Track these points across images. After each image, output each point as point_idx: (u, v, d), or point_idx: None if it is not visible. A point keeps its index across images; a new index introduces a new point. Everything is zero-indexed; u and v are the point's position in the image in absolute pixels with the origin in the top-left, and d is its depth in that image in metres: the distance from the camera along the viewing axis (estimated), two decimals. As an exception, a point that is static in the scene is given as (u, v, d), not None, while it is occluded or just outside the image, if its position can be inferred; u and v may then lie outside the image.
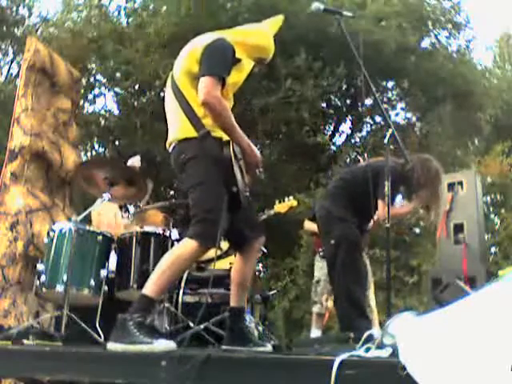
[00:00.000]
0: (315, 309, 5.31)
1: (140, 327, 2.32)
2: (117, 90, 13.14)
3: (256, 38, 2.87)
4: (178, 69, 2.73)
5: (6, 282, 4.20)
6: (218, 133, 2.61)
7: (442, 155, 12.49)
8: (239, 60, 2.71)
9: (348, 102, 13.82)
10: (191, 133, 2.61)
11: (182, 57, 2.75)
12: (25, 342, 2.95)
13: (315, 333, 5.30)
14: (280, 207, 5.13)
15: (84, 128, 10.70)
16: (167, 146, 2.77)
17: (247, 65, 2.79)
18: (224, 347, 2.67)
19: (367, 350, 1.78)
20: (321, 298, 5.24)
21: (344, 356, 1.65)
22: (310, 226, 5.33)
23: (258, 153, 2.76)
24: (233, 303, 2.77)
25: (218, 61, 2.60)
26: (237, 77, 2.72)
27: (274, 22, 3.00)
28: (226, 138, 2.62)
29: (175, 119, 2.70)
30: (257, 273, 4.41)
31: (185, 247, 2.52)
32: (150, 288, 2.45)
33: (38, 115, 4.83)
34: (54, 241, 3.44)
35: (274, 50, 2.93)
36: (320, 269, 5.27)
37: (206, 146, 2.58)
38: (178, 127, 2.67)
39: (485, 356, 1.42)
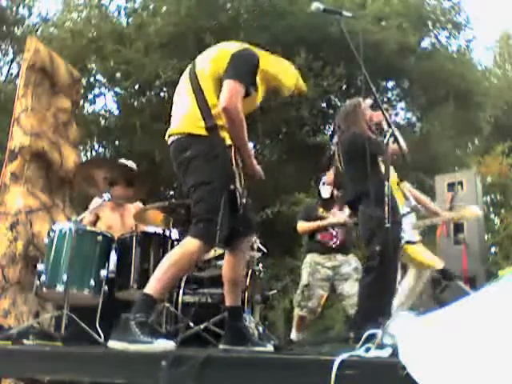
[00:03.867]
0: (301, 312, 5.13)
1: (142, 327, 2.33)
2: (117, 90, 13.15)
3: (282, 71, 2.87)
4: (206, 67, 2.69)
5: (5, 281, 4.20)
6: (224, 133, 2.61)
7: (442, 155, 12.52)
8: (256, 88, 2.69)
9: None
10: (200, 130, 2.59)
11: (211, 56, 2.72)
12: (25, 341, 2.95)
13: (297, 336, 5.22)
14: None
15: (84, 128, 10.69)
16: (168, 134, 2.72)
17: (259, 94, 2.77)
18: (222, 346, 2.67)
19: (367, 349, 1.78)
20: (308, 302, 5.15)
21: (344, 356, 1.65)
22: (305, 226, 5.28)
23: (260, 171, 2.79)
24: (228, 302, 2.77)
25: (247, 68, 2.61)
26: (246, 105, 2.68)
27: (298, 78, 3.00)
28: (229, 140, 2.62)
29: (186, 112, 2.66)
30: (257, 273, 4.40)
31: (187, 247, 2.51)
32: (152, 287, 2.45)
33: (37, 115, 4.83)
34: (54, 241, 3.44)
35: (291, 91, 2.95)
36: (310, 274, 5.18)
37: (212, 144, 2.57)
38: (187, 120, 2.64)
39: (485, 356, 1.42)
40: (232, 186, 2.54)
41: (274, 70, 2.82)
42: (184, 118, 2.67)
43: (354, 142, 3.78)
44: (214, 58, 2.69)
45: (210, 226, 2.47)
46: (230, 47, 2.70)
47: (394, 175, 4.91)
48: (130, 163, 4.45)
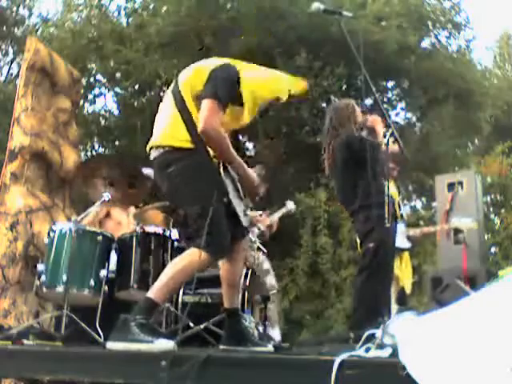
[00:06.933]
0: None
1: (141, 327, 2.33)
2: (117, 90, 13.13)
3: (266, 79, 2.82)
4: (185, 80, 2.68)
5: (6, 281, 4.20)
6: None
7: (442, 155, 12.52)
8: (241, 104, 2.63)
9: (348, 101, 13.80)
10: (185, 143, 2.56)
11: (191, 70, 2.72)
12: (25, 342, 2.95)
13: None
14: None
15: (84, 128, 10.69)
16: (150, 146, 2.68)
17: (249, 113, 2.71)
18: (222, 347, 2.67)
19: (367, 350, 1.78)
20: None
21: (344, 356, 1.65)
22: None
23: (256, 180, 2.75)
24: (226, 305, 2.77)
25: (224, 85, 2.56)
26: (231, 121, 2.67)
27: (295, 82, 3.01)
28: None
29: (170, 124, 2.63)
30: (257, 272, 4.39)
31: (194, 257, 2.51)
32: (155, 292, 2.45)
33: (37, 115, 4.83)
34: (54, 241, 3.44)
35: (286, 94, 2.90)
36: None
37: (199, 156, 2.55)
38: (173, 133, 2.61)
39: (485, 356, 1.42)
40: (226, 199, 2.55)
41: (257, 84, 2.71)
42: (170, 133, 2.62)
43: (349, 145, 3.76)
44: (193, 74, 2.67)
45: (216, 239, 2.49)
46: (210, 64, 2.66)
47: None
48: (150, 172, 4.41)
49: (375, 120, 3.74)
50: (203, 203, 2.53)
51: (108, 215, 4.34)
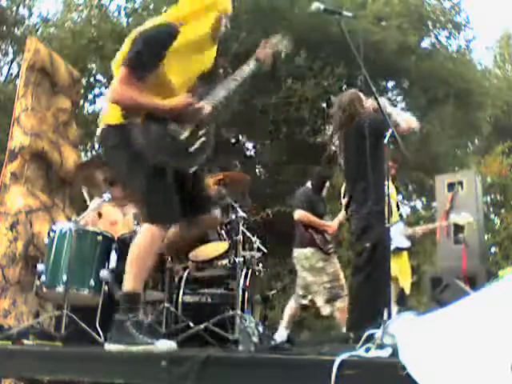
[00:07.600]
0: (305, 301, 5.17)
1: (138, 327, 2.32)
2: (117, 89, 13.15)
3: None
4: (117, 57, 2.66)
5: (5, 282, 4.20)
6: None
7: (442, 155, 12.53)
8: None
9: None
10: (119, 119, 2.58)
11: (122, 47, 2.68)
12: (25, 341, 2.95)
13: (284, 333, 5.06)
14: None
15: (84, 128, 10.68)
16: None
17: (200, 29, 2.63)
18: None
19: (367, 349, 1.78)
20: None
21: (344, 356, 1.65)
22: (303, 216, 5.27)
23: (200, 107, 2.59)
24: None
25: (142, 49, 2.49)
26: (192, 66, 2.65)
27: None
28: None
29: (107, 104, 2.68)
30: (257, 273, 4.39)
31: (145, 235, 2.52)
32: (128, 283, 2.46)
33: (38, 115, 4.83)
34: (54, 241, 3.43)
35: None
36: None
37: (129, 129, 2.53)
38: (110, 111, 2.64)
39: (485, 356, 1.42)
40: (161, 159, 2.49)
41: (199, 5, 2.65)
42: (106, 110, 2.68)
43: (361, 129, 3.63)
44: (122, 49, 2.64)
45: (157, 207, 2.50)
46: (139, 29, 2.61)
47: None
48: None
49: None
50: (136, 174, 2.54)
51: (99, 215, 4.33)
